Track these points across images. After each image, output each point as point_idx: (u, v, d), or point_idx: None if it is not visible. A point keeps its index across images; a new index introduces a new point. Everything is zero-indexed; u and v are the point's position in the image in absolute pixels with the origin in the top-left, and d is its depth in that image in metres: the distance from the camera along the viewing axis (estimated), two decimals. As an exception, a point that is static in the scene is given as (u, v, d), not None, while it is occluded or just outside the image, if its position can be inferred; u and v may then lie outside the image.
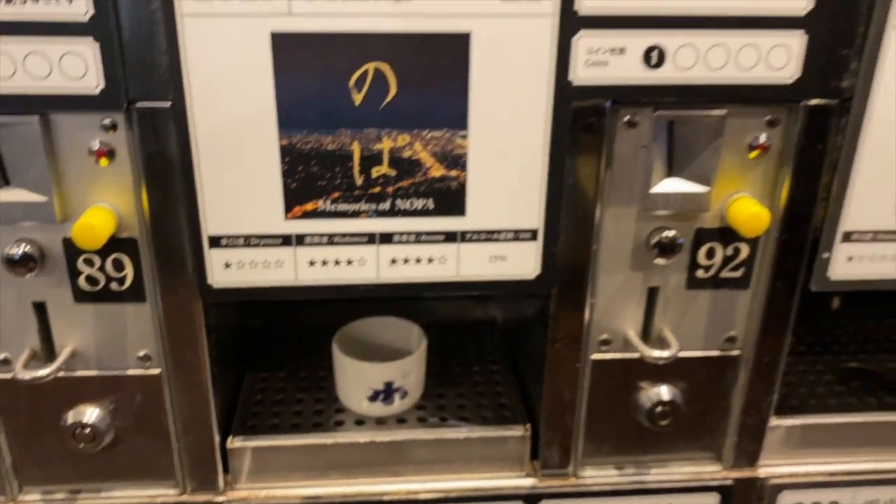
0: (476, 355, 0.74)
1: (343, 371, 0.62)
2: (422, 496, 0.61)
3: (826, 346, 0.75)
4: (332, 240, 0.52)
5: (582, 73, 0.49)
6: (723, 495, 0.63)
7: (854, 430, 0.65)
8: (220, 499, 0.60)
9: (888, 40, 0.50)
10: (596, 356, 0.59)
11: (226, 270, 0.53)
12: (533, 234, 0.54)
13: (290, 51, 0.47)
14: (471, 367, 0.71)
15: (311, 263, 0.53)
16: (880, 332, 0.78)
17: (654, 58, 0.49)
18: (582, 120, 0.51)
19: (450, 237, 0.53)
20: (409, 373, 0.62)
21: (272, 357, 0.73)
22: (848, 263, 0.57)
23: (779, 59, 0.50)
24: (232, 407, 0.65)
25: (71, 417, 0.56)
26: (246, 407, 0.65)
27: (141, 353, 0.56)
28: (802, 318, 0.80)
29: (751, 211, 0.53)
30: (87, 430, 0.56)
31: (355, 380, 0.62)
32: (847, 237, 0.56)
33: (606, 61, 0.49)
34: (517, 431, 0.62)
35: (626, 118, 0.52)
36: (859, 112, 0.52)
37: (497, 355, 0.74)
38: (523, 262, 0.54)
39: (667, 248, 0.55)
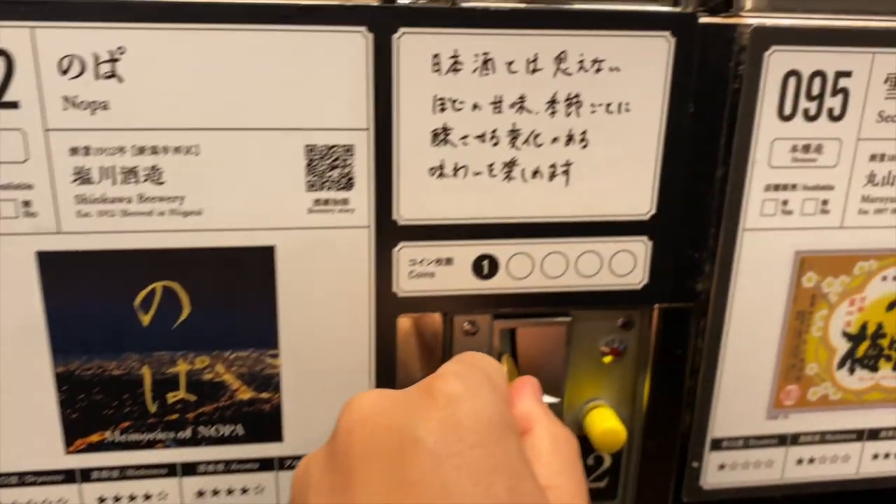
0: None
1: None
2: None
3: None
4: (124, 473, 0.45)
5: (406, 286, 0.44)
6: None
7: None
8: None
9: (742, 242, 0.46)
10: None
11: (-4, 512, 0.45)
12: (363, 456, 0.47)
13: (60, 271, 0.41)
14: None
15: (101, 501, 0.45)
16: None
17: (485, 268, 0.44)
18: (412, 335, 0.45)
19: (265, 465, 0.46)
20: None
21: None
22: (720, 472, 0.52)
23: (624, 265, 0.46)
24: None
25: None
26: None
27: None
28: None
29: (604, 426, 0.47)
30: None
31: None
32: (717, 445, 0.51)
33: (433, 272, 0.44)
34: None
35: (464, 326, 0.47)
36: (718, 315, 0.48)
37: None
38: (355, 487, 0.48)
39: (519, 463, 0.49)
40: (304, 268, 0.42)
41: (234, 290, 0.42)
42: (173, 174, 0.40)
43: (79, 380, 0.43)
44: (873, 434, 0.53)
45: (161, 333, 0.42)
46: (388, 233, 0.43)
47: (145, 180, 0.40)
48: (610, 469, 0.51)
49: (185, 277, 0.42)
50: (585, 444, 0.50)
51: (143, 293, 0.42)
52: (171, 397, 0.44)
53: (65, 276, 0.41)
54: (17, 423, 0.43)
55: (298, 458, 0.46)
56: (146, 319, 0.42)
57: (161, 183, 0.40)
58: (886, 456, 0.53)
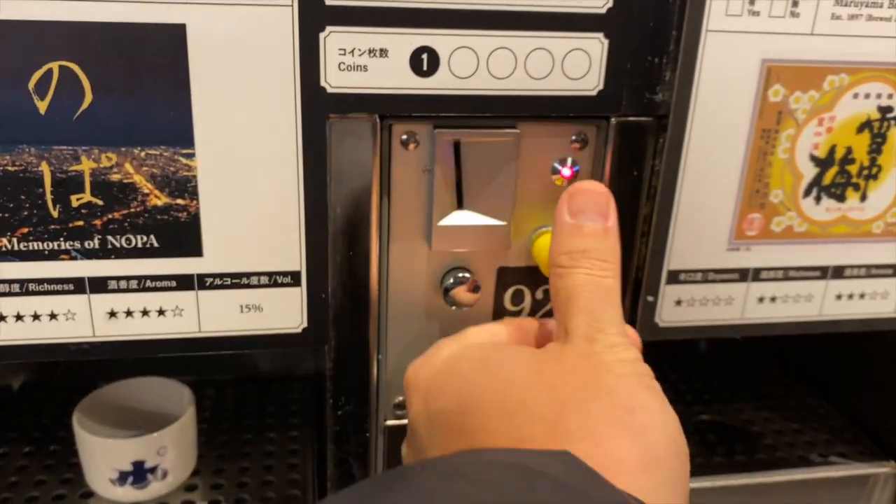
0: (279, 416, 0.63)
1: (84, 448, 0.50)
2: None
3: (680, 394, 0.68)
4: (25, 288, 0.41)
5: (336, 80, 0.40)
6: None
7: (701, 496, 0.57)
8: None
9: (704, 45, 0.43)
10: (391, 422, 0.49)
11: None
12: (294, 278, 0.43)
13: (-60, 43, 0.36)
14: (267, 431, 0.60)
15: (1, 318, 0.41)
16: (740, 376, 0.71)
17: (424, 62, 0.40)
18: (345, 137, 0.41)
19: (184, 282, 0.42)
20: (167, 448, 0.50)
21: (22, 427, 0.60)
22: (678, 308, 0.49)
23: (577, 66, 0.42)
24: (-48, 493, 0.52)
25: None
26: (-34, 493, 0.52)
27: None
28: (653, 362, 0.73)
29: (555, 248, 0.44)
30: None
31: (98, 459, 0.50)
32: (673, 277, 0.48)
33: (365, 65, 0.40)
34: (302, 517, 0.52)
35: (402, 136, 0.43)
36: (678, 131, 0.44)
37: (304, 417, 0.63)
38: (285, 313, 0.44)
39: (464, 292, 0.46)
40: (220, 52, 0.38)
41: (142, 75, 0.38)
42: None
43: (-32, 175, 0.38)
44: (838, 272, 0.50)
45: (61, 124, 0.38)
46: (314, 13, 0.38)
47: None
48: (561, 305, 0.48)
49: (85, 57, 0.37)
50: (536, 275, 0.47)
51: (38, 74, 0.37)
52: (76, 200, 0.40)
53: (-56, 49, 0.36)
54: None
55: (221, 276, 0.42)
56: (43, 106, 0.37)
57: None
58: (850, 297, 0.51)
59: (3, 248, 0.40)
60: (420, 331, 0.47)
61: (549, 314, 0.48)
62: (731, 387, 0.69)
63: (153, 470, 0.50)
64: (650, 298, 0.48)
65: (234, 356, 0.69)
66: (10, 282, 0.41)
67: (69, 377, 0.65)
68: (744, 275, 0.49)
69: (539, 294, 0.48)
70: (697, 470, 0.57)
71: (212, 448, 0.56)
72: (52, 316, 0.42)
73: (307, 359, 0.71)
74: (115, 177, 0.40)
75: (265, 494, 0.53)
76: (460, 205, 0.45)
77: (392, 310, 0.46)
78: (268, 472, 0.55)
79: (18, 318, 0.41)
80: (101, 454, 0.49)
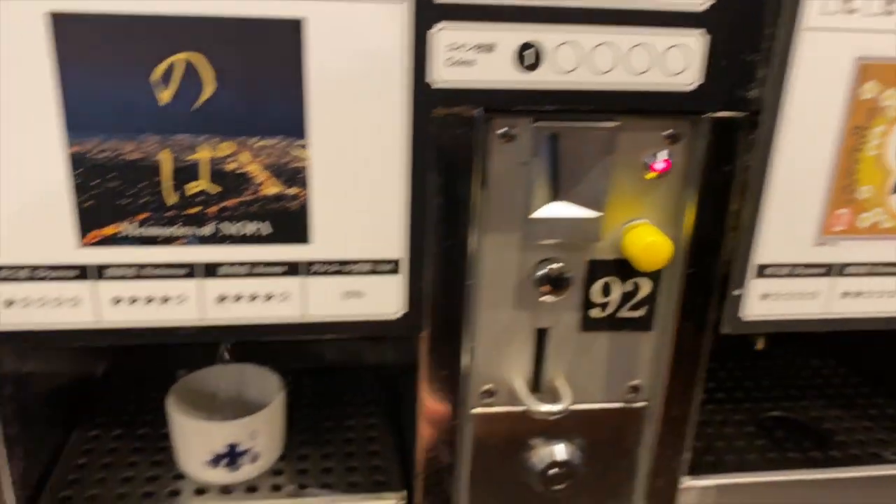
0: (354, 405, 0.64)
1: (179, 431, 0.52)
2: (271, 582, 0.51)
3: (747, 391, 0.68)
4: (140, 272, 0.43)
5: (443, 74, 0.41)
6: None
7: (776, 490, 0.58)
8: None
9: (800, 43, 0.43)
10: (478, 410, 0.51)
11: (7, 310, 0.42)
12: (394, 266, 0.45)
13: (75, 35, 0.37)
14: (346, 420, 0.62)
15: (116, 301, 0.43)
16: (805, 374, 0.71)
17: (528, 57, 0.41)
18: (448, 130, 0.43)
19: (291, 269, 0.44)
20: (258, 432, 0.52)
21: (109, 411, 0.62)
22: (762, 302, 0.49)
23: (676, 62, 0.42)
24: (48, 472, 0.54)
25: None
26: (63, 473, 0.54)
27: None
28: (720, 359, 0.73)
29: (647, 240, 0.45)
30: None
31: (192, 442, 0.51)
32: (761, 271, 0.48)
33: (472, 60, 0.41)
34: (390, 500, 0.53)
35: (502, 130, 0.44)
36: (769, 127, 0.45)
37: (378, 405, 0.64)
38: (384, 300, 0.45)
39: (554, 283, 0.47)
40: (335, 46, 0.39)
41: (260, 67, 0.39)
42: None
43: (94, 162, 0.40)
44: (922, 269, 0.50)
45: (181, 114, 0.39)
46: (426, 10, 0.39)
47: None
48: (648, 297, 0.49)
49: (207, 51, 0.38)
50: (625, 267, 0.48)
51: (161, 66, 0.39)
52: (192, 188, 0.41)
53: (79, 41, 0.37)
54: (27, 209, 0.40)
55: (327, 263, 0.44)
56: (165, 96, 0.39)
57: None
58: (934, 293, 0.51)
59: (123, 234, 0.41)
60: (510, 320, 0.48)
61: (636, 307, 0.49)
62: (798, 385, 0.69)
63: (245, 453, 0.51)
64: (737, 292, 0.49)
65: (303, 347, 0.71)
66: (128, 266, 0.42)
67: (147, 365, 0.67)
68: (829, 269, 0.49)
69: (628, 286, 0.49)
70: (771, 465, 0.58)
71: (293, 434, 0.58)
72: (165, 300, 0.43)
73: (373, 350, 0.72)
74: (231, 166, 0.41)
75: (350, 479, 0.54)
76: (556, 196, 0.46)
77: (484, 300, 0.47)
78: (350, 458, 0.57)
79: (133, 301, 0.43)
80: (197, 437, 0.51)
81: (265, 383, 0.56)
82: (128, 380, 0.66)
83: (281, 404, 0.54)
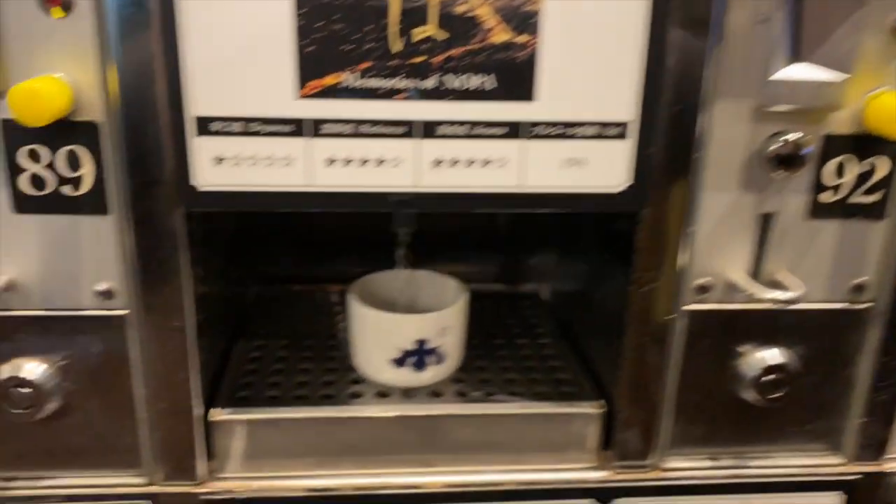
0: (520, 327, 0.60)
1: (362, 327, 0.49)
2: (462, 490, 0.47)
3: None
4: (358, 129, 0.40)
5: None
6: (848, 494, 0.49)
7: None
8: (199, 490, 0.46)
9: None
10: (692, 306, 0.46)
11: (217, 168, 0.40)
12: (622, 130, 0.41)
13: None
14: (515, 339, 0.58)
15: (331, 162, 0.40)
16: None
17: None
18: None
19: (512, 130, 0.40)
20: (448, 329, 0.48)
21: (269, 322, 0.59)
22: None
23: None
24: (218, 378, 0.51)
25: (5, 372, 0.43)
26: (235, 376, 0.51)
27: (102, 287, 0.42)
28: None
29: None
30: (27, 391, 0.43)
31: (378, 337, 0.48)
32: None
33: None
34: (589, 408, 0.49)
35: (746, -23, 0.40)
36: None
37: (545, 328, 0.60)
38: (608, 169, 0.42)
39: (789, 159, 0.43)
40: None
41: None
42: None
43: (319, 2, 0.37)
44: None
45: (415, -53, 0.37)
46: None
47: None
48: (884, 180, 0.44)
49: None
50: (863, 144, 0.43)
51: None
52: (419, 33, 0.38)
53: None
54: (244, 54, 0.37)
55: (550, 124, 0.40)
56: (400, -72, 0.36)
57: None
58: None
59: (344, 84, 0.39)
60: (733, 203, 0.44)
61: (871, 190, 0.45)
62: None
63: (433, 352, 0.48)
64: None
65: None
66: (345, 122, 0.39)
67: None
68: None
69: (864, 167, 0.44)
70: None
71: (467, 350, 0.54)
72: (380, 161, 0.40)
73: (529, 279, 0.68)
74: (461, 8, 0.38)
75: (537, 390, 0.50)
76: (797, 57, 0.42)
77: (708, 177, 0.43)
78: (531, 371, 0.53)
79: (347, 162, 0.40)
80: (385, 332, 0.47)
81: (443, 290, 0.52)
82: (282, 294, 0.64)
83: (466, 304, 0.50)
